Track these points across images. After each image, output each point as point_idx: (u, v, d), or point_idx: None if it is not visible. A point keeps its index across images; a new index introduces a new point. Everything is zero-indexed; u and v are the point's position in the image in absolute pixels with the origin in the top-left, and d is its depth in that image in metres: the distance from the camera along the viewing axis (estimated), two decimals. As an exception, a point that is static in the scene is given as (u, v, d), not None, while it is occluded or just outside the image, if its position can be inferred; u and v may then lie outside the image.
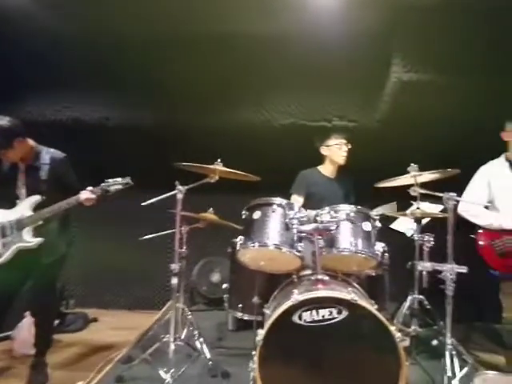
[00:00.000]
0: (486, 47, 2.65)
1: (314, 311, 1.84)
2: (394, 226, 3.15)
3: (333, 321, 1.83)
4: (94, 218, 3.75)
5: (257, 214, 2.21)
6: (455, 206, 2.25)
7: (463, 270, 2.16)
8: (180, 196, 2.19)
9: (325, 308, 1.84)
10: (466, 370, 2.16)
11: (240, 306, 2.80)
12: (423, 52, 2.72)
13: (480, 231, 2.60)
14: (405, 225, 2.98)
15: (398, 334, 1.80)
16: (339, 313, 1.84)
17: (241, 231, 2.29)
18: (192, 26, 2.83)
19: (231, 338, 3.00)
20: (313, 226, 2.13)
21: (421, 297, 2.62)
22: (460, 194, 2.62)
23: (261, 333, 1.85)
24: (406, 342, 2.62)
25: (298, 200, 2.91)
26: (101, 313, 3.62)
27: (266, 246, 2.15)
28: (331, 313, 1.84)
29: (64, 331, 3.17)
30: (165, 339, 2.26)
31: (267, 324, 1.88)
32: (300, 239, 2.20)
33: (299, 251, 2.18)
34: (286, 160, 3.05)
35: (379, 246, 2.27)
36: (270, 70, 3.15)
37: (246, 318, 2.80)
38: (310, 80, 3.21)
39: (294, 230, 2.16)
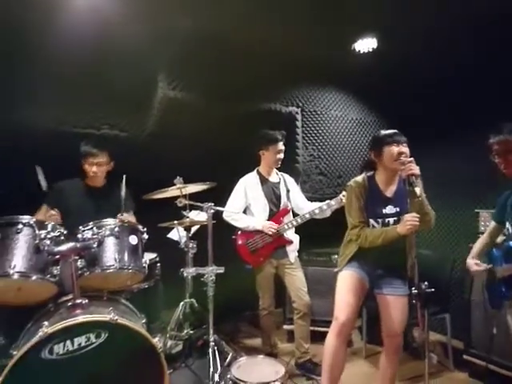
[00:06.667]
0: (239, 79, 3.09)
1: (67, 341, 1.69)
2: (170, 235, 3.26)
3: (91, 347, 1.72)
4: None
5: (-7, 238, 1.83)
6: (213, 214, 2.51)
7: (221, 270, 2.42)
8: None
9: (81, 335, 1.71)
10: (227, 361, 2.44)
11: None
12: (186, 73, 2.93)
13: (239, 233, 2.98)
14: (179, 234, 3.11)
15: (160, 345, 1.84)
16: (98, 336, 1.74)
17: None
18: None
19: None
20: (69, 245, 1.93)
21: (192, 300, 2.80)
22: (223, 201, 2.96)
23: (-3, 381, 1.55)
24: (179, 347, 2.75)
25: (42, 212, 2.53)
26: None
27: (7, 277, 1.80)
28: (89, 338, 1.73)
29: None
30: None
31: (7, 368, 1.58)
32: (56, 262, 1.97)
33: (54, 276, 1.94)
34: (48, 168, 2.65)
35: (147, 258, 2.28)
36: (29, 70, 2.73)
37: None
38: (74, 85, 2.95)
39: (45, 253, 1.91)
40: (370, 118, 3.90)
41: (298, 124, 3.53)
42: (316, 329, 3.16)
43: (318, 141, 3.62)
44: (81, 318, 1.75)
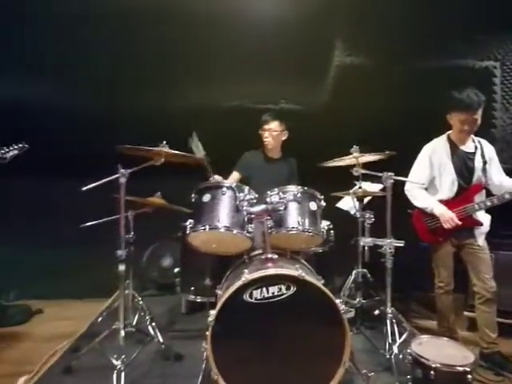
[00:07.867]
0: (420, 35, 2.80)
1: (264, 289, 1.91)
2: (340, 204, 3.29)
3: (282, 297, 1.91)
4: (34, 205, 3.56)
5: (206, 197, 2.20)
6: (392, 185, 2.38)
7: (400, 244, 2.32)
8: (123, 180, 2.11)
9: (274, 285, 1.91)
10: (405, 335, 2.36)
11: (192, 288, 2.82)
12: (362, 36, 2.81)
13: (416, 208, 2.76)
14: (349, 204, 3.12)
15: (342, 307, 1.91)
16: (288, 289, 1.91)
17: (190, 215, 2.27)
18: (127, 1, 2.70)
19: (184, 321, 3.01)
20: (262, 207, 2.17)
21: (364, 270, 2.80)
22: (400, 172, 2.77)
23: (212, 313, 1.88)
24: (352, 314, 2.80)
25: (233, 177, 2.95)
26: (45, 304, 3.43)
27: (216, 229, 2.15)
28: (280, 289, 1.91)
29: (6, 325, 3.00)
30: (114, 326, 2.22)
31: (219, 304, 1.91)
32: (250, 220, 2.23)
33: (250, 232, 2.21)
34: (233, 142, 3.02)
35: (324, 224, 2.37)
36: (218, 52, 3.11)
37: (198, 300, 2.83)
38: (256, 63, 3.20)
39: (244, 212, 2.19)
40: None
41: (496, 81, 2.98)
42: (506, 321, 2.75)
43: (523, 101, 3.01)
44: (273, 271, 1.96)
